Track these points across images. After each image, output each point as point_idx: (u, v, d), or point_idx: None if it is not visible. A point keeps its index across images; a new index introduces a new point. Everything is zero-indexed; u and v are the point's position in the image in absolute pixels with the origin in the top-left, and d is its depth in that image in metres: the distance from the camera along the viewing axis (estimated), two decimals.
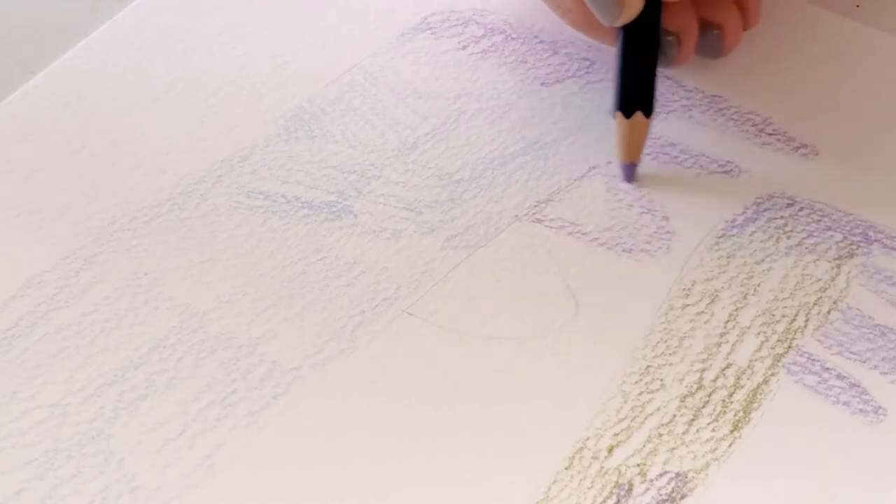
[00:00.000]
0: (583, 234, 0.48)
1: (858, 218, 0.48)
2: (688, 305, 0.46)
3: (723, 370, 0.44)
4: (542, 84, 0.52)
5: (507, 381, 0.44)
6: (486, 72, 0.53)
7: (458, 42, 0.54)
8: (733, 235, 0.47)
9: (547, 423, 0.43)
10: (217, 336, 0.45)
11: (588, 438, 0.42)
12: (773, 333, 0.45)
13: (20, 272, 0.47)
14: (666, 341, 0.45)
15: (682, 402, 0.43)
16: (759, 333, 0.45)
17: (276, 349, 0.45)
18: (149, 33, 0.54)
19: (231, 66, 0.53)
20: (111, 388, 0.44)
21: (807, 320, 0.45)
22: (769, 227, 0.48)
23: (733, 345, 0.45)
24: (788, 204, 0.48)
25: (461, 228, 0.48)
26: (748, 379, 0.44)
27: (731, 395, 0.43)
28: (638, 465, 0.42)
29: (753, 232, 0.48)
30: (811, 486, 0.41)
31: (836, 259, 0.47)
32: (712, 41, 0.50)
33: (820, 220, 0.48)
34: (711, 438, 0.42)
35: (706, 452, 0.42)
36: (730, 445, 0.42)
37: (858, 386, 0.43)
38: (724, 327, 0.45)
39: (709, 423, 0.43)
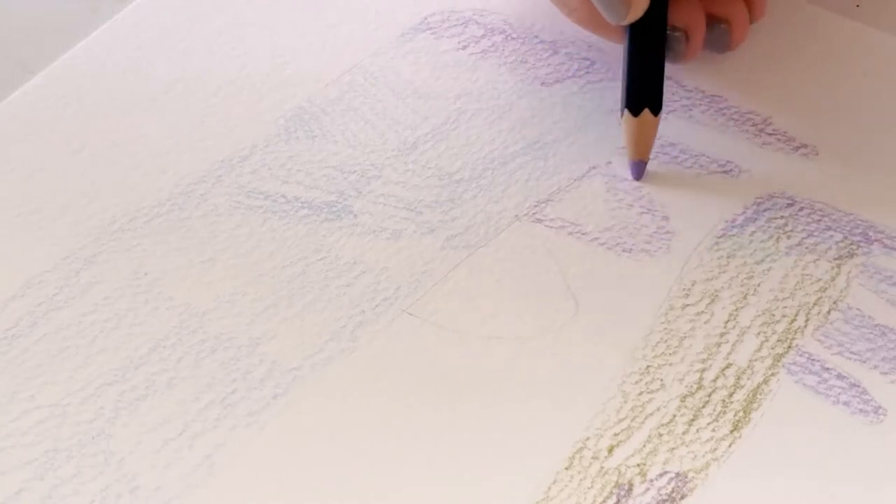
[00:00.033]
0: (583, 234, 0.48)
1: (858, 218, 0.48)
2: (688, 305, 0.46)
3: (723, 370, 0.44)
4: (542, 84, 0.52)
5: (507, 381, 0.44)
6: (486, 72, 0.53)
7: (458, 42, 0.54)
8: (733, 235, 0.47)
9: (547, 423, 0.43)
10: (217, 336, 0.45)
11: (588, 438, 0.42)
12: (773, 333, 0.45)
13: (20, 272, 0.47)
14: (666, 341, 0.45)
15: (682, 402, 0.43)
16: (759, 333, 0.45)
17: (276, 349, 0.45)
18: (149, 33, 0.54)
19: (231, 66, 0.53)
20: (111, 388, 0.44)
21: (807, 320, 0.45)
22: (769, 227, 0.48)
23: (733, 345, 0.45)
24: (788, 204, 0.48)
25: (461, 228, 0.48)
26: (748, 379, 0.44)
27: (731, 395, 0.43)
28: (638, 465, 0.42)
29: (753, 232, 0.48)
30: (811, 486, 0.41)
31: (836, 259, 0.47)
32: (720, 35, 0.50)
33: (820, 220, 0.48)
34: (711, 438, 0.42)
35: (706, 452, 0.42)
36: (730, 445, 0.42)
37: (858, 386, 0.43)
38: (724, 327, 0.45)
39: (709, 423, 0.43)
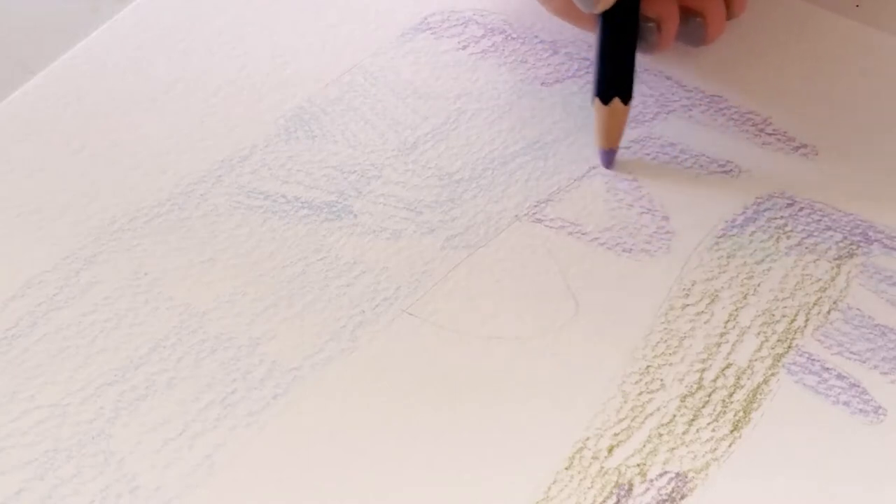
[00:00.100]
0: (583, 234, 0.48)
1: (858, 218, 0.48)
2: (688, 305, 0.46)
3: (723, 370, 0.44)
4: (542, 84, 0.52)
5: (507, 381, 0.44)
6: (486, 72, 0.53)
7: (458, 42, 0.54)
8: (733, 235, 0.47)
9: (547, 423, 0.43)
10: (217, 336, 0.45)
11: (588, 438, 0.42)
12: (773, 333, 0.45)
13: (20, 272, 0.47)
14: (666, 341, 0.45)
15: (682, 402, 0.43)
16: (759, 333, 0.45)
17: (276, 349, 0.45)
18: (149, 33, 0.54)
19: (231, 66, 0.53)
20: (111, 388, 0.44)
21: (807, 320, 0.45)
22: (769, 227, 0.48)
23: (733, 345, 0.45)
24: (788, 204, 0.48)
25: (461, 228, 0.48)
26: (748, 379, 0.44)
27: (731, 395, 0.43)
28: (638, 465, 0.42)
29: (753, 232, 0.48)
30: (811, 486, 0.41)
31: (836, 259, 0.47)
32: (695, 29, 0.50)
33: (820, 220, 0.48)
34: (711, 438, 0.42)
35: (706, 452, 0.42)
36: (730, 445, 0.42)
37: (858, 386, 0.43)
38: (724, 327, 0.45)
39: (709, 423, 0.43)
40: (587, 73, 0.52)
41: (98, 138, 0.51)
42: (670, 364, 0.44)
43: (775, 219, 0.48)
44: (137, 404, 0.44)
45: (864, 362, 0.44)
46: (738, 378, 0.44)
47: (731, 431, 0.43)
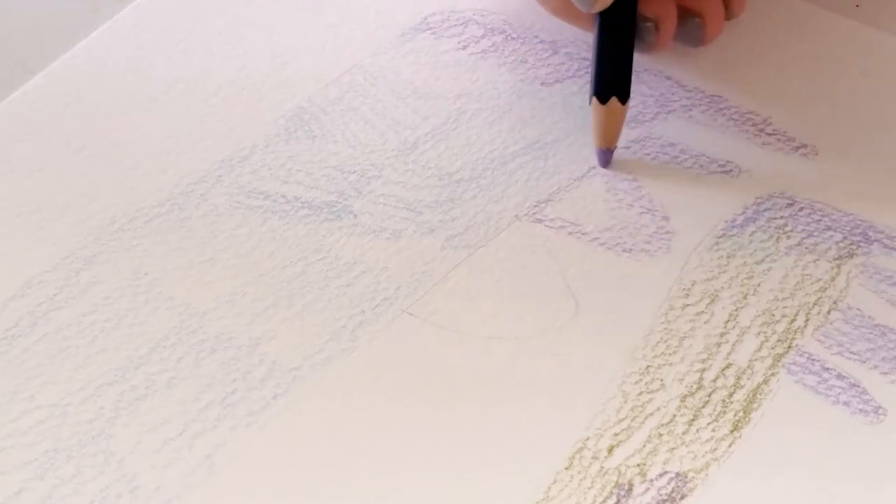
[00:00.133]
0: (583, 234, 0.48)
1: (858, 218, 0.48)
2: (688, 305, 0.46)
3: (723, 370, 0.44)
4: (542, 84, 0.52)
5: (507, 381, 0.44)
6: (486, 72, 0.53)
7: (458, 42, 0.54)
8: (733, 235, 0.47)
9: (547, 423, 0.43)
10: (217, 336, 0.45)
11: (588, 438, 0.42)
12: (773, 333, 0.45)
13: (20, 272, 0.47)
14: (666, 341, 0.45)
15: (682, 402, 0.43)
16: (759, 333, 0.45)
17: (276, 349, 0.45)
18: (149, 33, 0.54)
19: (231, 66, 0.53)
20: (111, 388, 0.44)
21: (807, 320, 0.45)
22: (769, 227, 0.48)
23: (733, 345, 0.45)
24: (788, 204, 0.48)
25: (461, 228, 0.48)
26: (748, 379, 0.44)
27: (731, 395, 0.43)
28: (638, 465, 0.42)
29: (753, 232, 0.48)
30: (811, 486, 0.41)
31: (836, 259, 0.47)
32: (693, 29, 0.50)
33: (820, 220, 0.48)
34: (711, 438, 0.42)
35: (706, 452, 0.42)
36: (730, 445, 0.42)
37: (858, 386, 0.43)
38: (724, 327, 0.45)
39: (709, 423, 0.43)
40: (587, 73, 0.52)
41: (98, 138, 0.51)
42: (670, 364, 0.44)
43: (775, 219, 0.48)
44: (137, 404, 0.44)
45: (864, 362, 0.44)
46: (738, 378, 0.44)
47: (731, 431, 0.43)
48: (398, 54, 0.53)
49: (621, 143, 0.49)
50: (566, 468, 0.42)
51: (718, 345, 0.45)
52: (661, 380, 0.44)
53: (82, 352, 0.45)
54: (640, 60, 0.50)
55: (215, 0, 0.56)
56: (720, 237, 0.47)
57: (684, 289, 0.46)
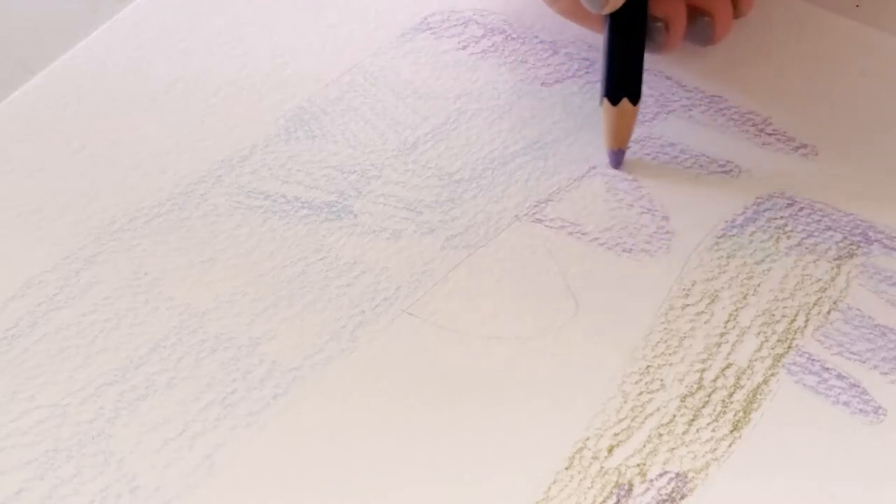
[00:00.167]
0: (583, 234, 0.48)
1: (858, 218, 0.48)
2: (688, 305, 0.46)
3: (723, 370, 0.44)
4: (542, 84, 0.52)
5: (507, 381, 0.44)
6: (486, 72, 0.53)
7: (458, 42, 0.54)
8: (733, 235, 0.47)
9: (547, 423, 0.43)
10: (217, 336, 0.45)
11: (588, 438, 0.42)
12: (773, 333, 0.45)
13: (20, 272, 0.47)
14: (666, 341, 0.45)
15: (682, 402, 0.43)
16: (759, 333, 0.45)
17: (276, 349, 0.45)
18: (149, 33, 0.54)
19: (231, 66, 0.53)
20: (111, 388, 0.44)
21: (807, 320, 0.45)
22: (769, 227, 0.48)
23: (733, 345, 0.45)
24: (788, 204, 0.48)
25: (461, 228, 0.48)
26: (748, 379, 0.44)
27: (731, 395, 0.43)
28: (638, 465, 0.42)
29: (753, 232, 0.48)
30: (811, 486, 0.41)
31: (836, 259, 0.47)
32: (702, 28, 0.50)
33: (820, 220, 0.48)
34: (711, 438, 0.42)
35: (706, 452, 0.42)
36: (730, 445, 0.42)
37: (858, 386, 0.43)
38: (724, 327, 0.45)
39: (709, 423, 0.43)
40: (587, 73, 0.52)
41: (98, 138, 0.51)
42: (670, 364, 0.44)
43: (775, 219, 0.48)
44: (137, 404, 0.44)
45: (864, 362, 0.44)
46: (738, 378, 0.44)
47: (731, 431, 0.43)
48: (398, 54, 0.53)
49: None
50: (566, 468, 0.42)
51: (718, 345, 0.45)
52: (661, 380, 0.44)
53: (82, 352, 0.45)
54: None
55: (215, 0, 0.56)
56: (720, 237, 0.47)
57: (684, 289, 0.46)
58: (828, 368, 0.44)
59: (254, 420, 0.43)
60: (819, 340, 0.45)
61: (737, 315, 0.45)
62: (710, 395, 0.43)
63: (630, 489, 0.41)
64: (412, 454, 0.42)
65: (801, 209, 0.48)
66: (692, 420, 0.43)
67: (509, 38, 0.54)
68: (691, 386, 0.44)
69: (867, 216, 0.48)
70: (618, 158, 0.49)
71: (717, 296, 0.46)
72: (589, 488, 0.41)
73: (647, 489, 0.41)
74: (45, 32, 0.55)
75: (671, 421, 0.43)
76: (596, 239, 0.48)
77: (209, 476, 0.42)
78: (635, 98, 0.49)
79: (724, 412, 0.43)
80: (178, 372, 0.44)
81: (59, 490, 0.42)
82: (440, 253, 0.47)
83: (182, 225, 0.48)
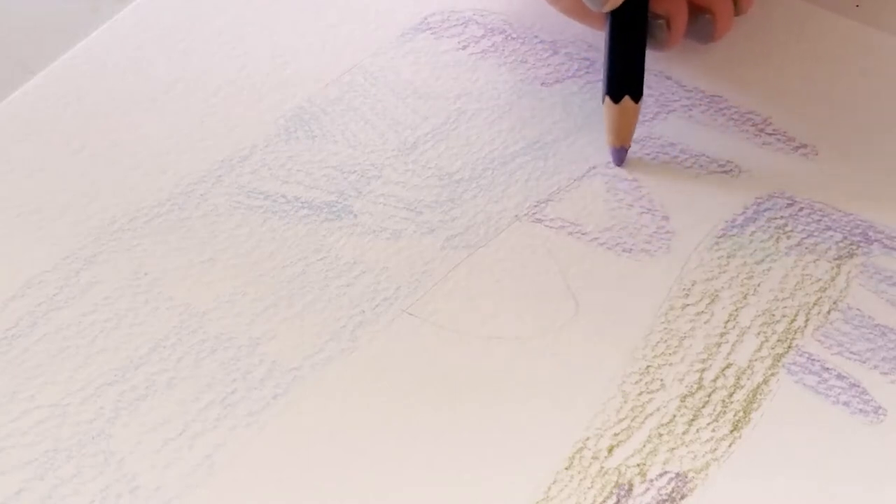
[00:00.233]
0: (583, 234, 0.48)
1: (858, 218, 0.48)
2: (688, 305, 0.46)
3: (723, 370, 0.44)
4: (542, 84, 0.52)
5: (507, 381, 0.44)
6: (486, 72, 0.53)
7: (458, 42, 0.54)
8: (733, 235, 0.47)
9: (547, 423, 0.43)
10: (217, 336, 0.45)
11: (588, 438, 0.42)
12: (773, 333, 0.45)
13: (20, 272, 0.47)
14: (666, 341, 0.45)
15: (682, 402, 0.43)
16: (759, 333, 0.45)
17: (276, 349, 0.45)
18: (149, 33, 0.54)
19: (231, 66, 0.53)
20: (111, 388, 0.44)
21: (807, 320, 0.45)
22: (769, 227, 0.48)
23: (733, 345, 0.45)
24: (788, 204, 0.48)
25: (461, 228, 0.48)
26: (748, 379, 0.44)
27: (731, 395, 0.43)
28: (638, 465, 0.42)
29: (753, 232, 0.48)
30: (811, 486, 0.41)
31: (836, 259, 0.47)
32: (703, 26, 0.50)
33: (820, 220, 0.48)
34: (711, 438, 0.42)
35: (706, 452, 0.42)
36: (730, 445, 0.42)
37: (858, 386, 0.43)
38: (724, 327, 0.45)
39: (709, 423, 0.43)
40: (587, 73, 0.52)
41: (98, 138, 0.51)
42: (670, 364, 0.44)
43: (775, 219, 0.48)
44: (137, 404, 0.44)
45: (864, 362, 0.44)
46: (738, 378, 0.44)
47: (731, 431, 0.43)
48: (398, 54, 0.53)
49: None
50: (566, 468, 0.42)
51: (718, 345, 0.45)
52: (661, 380, 0.44)
53: (82, 352, 0.45)
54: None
55: (215, 0, 0.56)
56: (720, 237, 0.47)
57: (684, 289, 0.46)
58: (828, 368, 0.44)
59: (254, 420, 0.43)
60: (819, 340, 0.45)
61: (737, 315, 0.45)
62: (710, 395, 0.43)
63: (630, 489, 0.41)
64: (412, 454, 0.42)
65: (801, 209, 0.48)
66: (692, 420, 0.43)
67: (509, 38, 0.54)
68: (691, 386, 0.44)
69: (867, 216, 0.48)
70: (620, 156, 0.49)
71: (717, 296, 0.46)
72: (589, 488, 0.41)
73: (647, 489, 0.41)
74: (45, 32, 0.55)
75: (671, 421, 0.43)
76: (596, 239, 0.48)
77: (209, 476, 0.42)
78: (637, 95, 0.49)
79: (724, 412, 0.43)
80: (178, 372, 0.44)
81: (59, 490, 0.42)
82: (440, 253, 0.47)
83: (182, 225, 0.48)
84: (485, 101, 0.52)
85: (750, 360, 0.44)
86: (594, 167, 0.50)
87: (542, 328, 0.45)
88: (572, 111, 0.51)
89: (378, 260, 0.47)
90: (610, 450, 0.42)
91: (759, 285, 0.46)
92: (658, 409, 0.43)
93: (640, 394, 0.43)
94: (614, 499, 0.41)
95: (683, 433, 0.43)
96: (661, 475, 0.42)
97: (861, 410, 0.43)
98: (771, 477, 0.41)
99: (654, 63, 0.52)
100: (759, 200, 0.48)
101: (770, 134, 0.50)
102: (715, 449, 0.42)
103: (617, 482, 0.41)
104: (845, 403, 0.43)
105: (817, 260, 0.47)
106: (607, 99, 0.49)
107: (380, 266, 0.47)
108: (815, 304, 0.45)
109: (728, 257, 0.47)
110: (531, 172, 0.50)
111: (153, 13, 0.55)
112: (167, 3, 0.56)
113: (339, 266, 0.47)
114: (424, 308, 0.46)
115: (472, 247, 0.47)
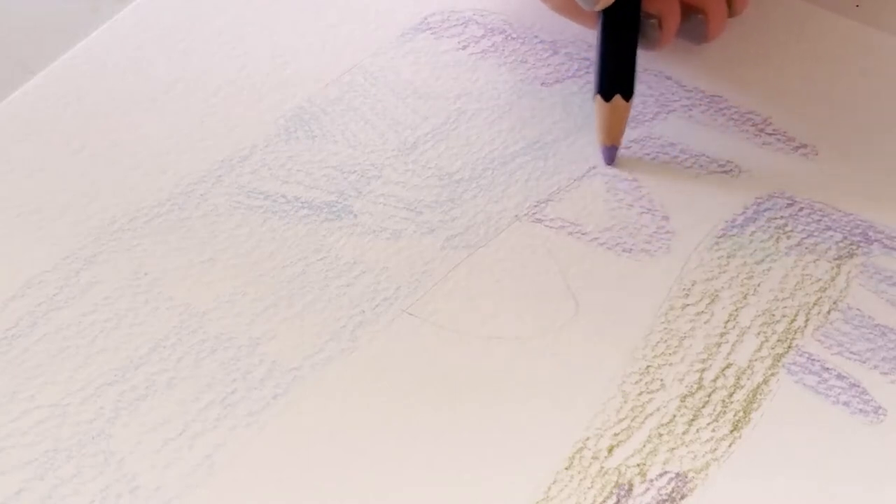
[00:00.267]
0: (583, 234, 0.48)
1: (858, 218, 0.48)
2: (688, 305, 0.46)
3: (723, 370, 0.44)
4: (542, 84, 0.52)
5: (507, 381, 0.44)
6: (486, 72, 0.53)
7: (458, 42, 0.54)
8: (733, 235, 0.47)
9: (547, 423, 0.43)
10: (217, 336, 0.45)
11: (588, 438, 0.42)
12: (773, 333, 0.45)
13: (20, 272, 0.47)
14: (666, 341, 0.45)
15: (682, 402, 0.43)
16: (759, 333, 0.45)
17: (276, 349, 0.45)
18: (149, 33, 0.54)
19: (231, 66, 0.53)
20: (111, 388, 0.44)
21: (807, 320, 0.45)
22: (769, 227, 0.48)
23: (733, 345, 0.45)
24: (788, 204, 0.48)
25: (461, 228, 0.48)
26: (748, 379, 0.44)
27: (731, 395, 0.43)
28: (638, 465, 0.42)
29: (753, 232, 0.48)
30: (811, 486, 0.41)
31: (836, 259, 0.47)
32: (696, 26, 0.50)
33: (820, 220, 0.48)
34: (711, 438, 0.42)
35: (706, 452, 0.42)
36: (730, 445, 0.42)
37: (858, 386, 0.43)
38: (724, 327, 0.45)
39: (709, 423, 0.43)
40: (587, 72, 0.52)
41: (98, 138, 0.51)
42: (670, 364, 0.44)
43: (775, 219, 0.48)
44: (137, 404, 0.44)
45: (864, 362, 0.44)
46: (738, 378, 0.44)
47: (731, 431, 0.43)
48: (398, 54, 0.53)
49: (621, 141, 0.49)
50: (566, 468, 0.42)
51: (718, 345, 0.45)
52: (661, 380, 0.44)
53: (82, 352, 0.45)
54: (640, 60, 0.50)
55: (215, 0, 0.56)
56: (720, 237, 0.47)
57: (684, 289, 0.46)
58: (828, 368, 0.44)
59: (254, 420, 0.43)
60: (819, 340, 0.45)
61: (737, 315, 0.45)
62: (710, 395, 0.43)
63: (630, 489, 0.41)
64: (412, 454, 0.42)
65: (801, 209, 0.48)
66: (692, 420, 0.43)
67: (509, 38, 0.54)
68: (691, 386, 0.44)
69: (867, 216, 0.48)
70: (611, 155, 0.49)
71: (717, 296, 0.46)
72: (589, 488, 0.41)
73: (647, 489, 0.41)
74: (45, 32, 0.55)
75: (671, 421, 0.43)
76: (596, 239, 0.48)
77: (209, 476, 0.42)
78: (628, 94, 0.49)
79: (724, 412, 0.43)
80: (178, 372, 0.44)
81: (59, 490, 0.42)
82: (440, 253, 0.47)
83: (182, 225, 0.48)
84: (485, 101, 0.52)
85: (750, 360, 0.44)
86: (594, 167, 0.50)
87: (542, 328, 0.45)
88: (572, 111, 0.51)
89: (378, 260, 0.47)
90: (610, 450, 0.42)
91: (759, 285, 0.46)
92: (658, 409, 0.43)
93: (640, 394, 0.43)
94: (614, 499, 0.41)
95: (683, 433, 0.43)
96: (661, 475, 0.42)
97: (861, 410, 0.43)
98: (771, 477, 0.41)
99: (654, 63, 0.52)
100: (759, 200, 0.48)
101: (770, 134, 0.50)
102: (715, 449, 0.42)
103: (617, 482, 0.42)
104: (845, 403, 0.43)
105: (817, 260, 0.47)
106: (598, 97, 0.49)
107: (380, 266, 0.47)
108: (815, 304, 0.45)
109: (728, 257, 0.47)
110: (531, 172, 0.50)
111: (153, 13, 0.55)
112: (167, 3, 0.56)
113: (339, 266, 0.47)
114: (424, 308, 0.46)
115: (472, 247, 0.47)
